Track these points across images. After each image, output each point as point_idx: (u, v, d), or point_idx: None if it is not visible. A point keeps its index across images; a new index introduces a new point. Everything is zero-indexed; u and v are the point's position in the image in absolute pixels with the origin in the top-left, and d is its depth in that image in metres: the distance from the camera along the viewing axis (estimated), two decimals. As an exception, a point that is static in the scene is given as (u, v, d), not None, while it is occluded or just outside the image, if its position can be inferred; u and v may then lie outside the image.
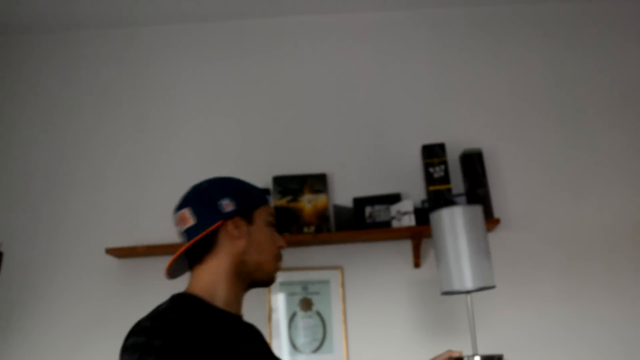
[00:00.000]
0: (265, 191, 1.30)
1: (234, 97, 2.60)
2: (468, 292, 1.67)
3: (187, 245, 1.16)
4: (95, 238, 2.40)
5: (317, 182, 2.40)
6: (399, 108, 2.55)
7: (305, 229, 2.30)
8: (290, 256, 2.33)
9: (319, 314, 2.29)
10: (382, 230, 2.26)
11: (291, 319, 2.29)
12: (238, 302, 1.19)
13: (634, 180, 2.42)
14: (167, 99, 2.61)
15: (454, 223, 1.70)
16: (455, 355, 1.36)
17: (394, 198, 2.36)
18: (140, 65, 2.66)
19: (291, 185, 2.38)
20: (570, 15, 2.66)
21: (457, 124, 2.52)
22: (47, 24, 2.65)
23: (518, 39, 2.64)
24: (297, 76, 2.61)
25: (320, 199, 2.37)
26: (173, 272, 1.25)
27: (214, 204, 1.17)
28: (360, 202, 2.37)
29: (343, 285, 2.32)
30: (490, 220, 2.23)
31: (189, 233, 1.17)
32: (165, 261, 2.36)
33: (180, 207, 1.21)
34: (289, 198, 2.36)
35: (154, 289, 2.33)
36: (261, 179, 2.42)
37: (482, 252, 1.68)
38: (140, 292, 2.33)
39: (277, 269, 1.24)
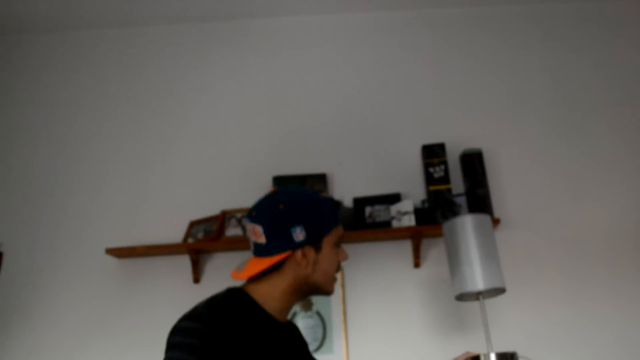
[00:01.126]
0: (337, 205, 1.29)
1: (234, 97, 2.60)
2: (479, 293, 1.73)
3: (263, 267, 1.17)
4: (95, 238, 2.40)
5: (317, 182, 2.40)
6: (399, 108, 2.55)
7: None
8: (290, 256, 2.33)
9: (319, 314, 2.29)
10: (382, 230, 2.26)
11: (291, 319, 2.28)
12: (287, 311, 1.23)
13: (633, 180, 2.42)
14: (167, 99, 2.61)
15: (465, 231, 1.80)
16: (472, 355, 1.43)
17: (394, 198, 2.36)
18: (140, 66, 2.66)
19: (291, 185, 2.38)
20: (570, 16, 2.66)
21: (457, 124, 2.52)
22: (47, 24, 2.66)
23: (518, 39, 2.64)
24: (297, 76, 2.61)
25: (320, 199, 2.37)
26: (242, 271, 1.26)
27: (286, 230, 1.17)
28: (360, 202, 2.37)
29: (343, 285, 2.32)
30: (490, 220, 2.23)
31: (257, 248, 1.20)
32: (164, 261, 2.36)
33: (253, 218, 1.20)
34: (289, 198, 2.36)
35: (153, 288, 2.33)
36: (261, 179, 2.42)
37: (492, 257, 1.78)
38: (140, 292, 2.33)
39: (335, 280, 1.26)
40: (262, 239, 1.18)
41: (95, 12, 2.59)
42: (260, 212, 1.20)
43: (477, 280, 1.74)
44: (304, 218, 1.18)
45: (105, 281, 2.35)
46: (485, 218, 1.84)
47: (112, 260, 2.37)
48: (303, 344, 1.33)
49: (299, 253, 1.18)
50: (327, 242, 1.22)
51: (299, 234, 1.17)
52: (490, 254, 1.78)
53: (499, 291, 1.79)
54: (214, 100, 2.59)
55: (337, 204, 1.27)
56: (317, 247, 1.20)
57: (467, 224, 1.80)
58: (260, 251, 1.19)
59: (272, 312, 1.19)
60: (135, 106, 2.60)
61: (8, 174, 2.52)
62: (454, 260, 1.82)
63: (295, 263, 1.19)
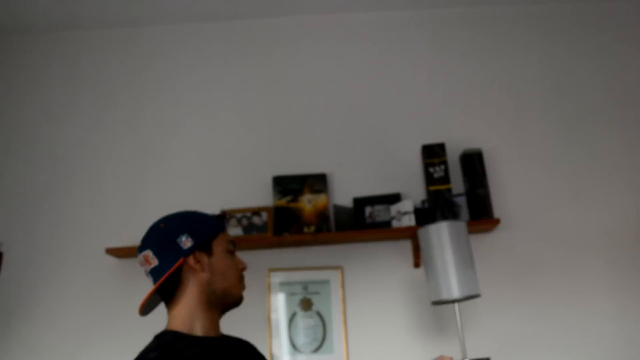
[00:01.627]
0: (221, 217, 1.34)
1: (234, 97, 2.60)
2: (455, 301, 1.76)
3: (155, 286, 1.21)
4: (95, 238, 2.40)
5: (317, 182, 2.40)
6: (399, 108, 2.55)
7: (305, 229, 2.30)
8: (290, 256, 2.33)
9: (319, 314, 2.29)
10: (382, 230, 2.26)
11: (291, 319, 2.28)
12: (215, 326, 1.26)
13: (633, 180, 2.42)
14: (167, 99, 2.61)
15: (440, 238, 1.82)
16: (446, 359, 1.39)
17: (394, 198, 2.36)
18: (140, 65, 2.66)
19: (291, 185, 2.38)
20: (570, 16, 2.66)
21: (457, 124, 2.52)
22: (47, 24, 2.66)
23: (518, 39, 2.64)
24: (297, 76, 2.62)
25: (320, 199, 2.37)
26: (146, 309, 1.30)
27: (172, 242, 1.21)
28: (360, 202, 2.37)
29: (343, 285, 2.32)
30: (490, 220, 2.23)
31: (153, 273, 1.22)
32: (165, 261, 2.36)
33: (141, 248, 1.25)
34: (289, 198, 2.36)
35: (154, 289, 2.33)
36: (261, 179, 2.42)
37: (467, 264, 1.78)
38: (140, 292, 2.33)
39: (243, 288, 1.30)
40: (155, 261, 1.21)
41: (95, 12, 2.59)
42: (145, 240, 1.25)
43: (453, 288, 1.77)
44: (186, 227, 1.23)
45: (105, 281, 2.35)
46: (460, 224, 1.86)
47: (112, 260, 2.37)
48: (253, 351, 1.33)
49: (191, 259, 1.21)
50: (217, 247, 1.26)
51: (185, 241, 1.22)
52: (465, 261, 1.80)
53: (473, 297, 1.82)
54: (213, 100, 2.59)
55: (220, 215, 1.33)
56: (208, 252, 1.24)
57: (442, 231, 1.81)
58: (157, 274, 1.22)
59: (204, 334, 1.21)
60: (135, 106, 2.60)
61: (8, 173, 2.52)
62: (429, 266, 1.84)
63: (191, 271, 1.22)
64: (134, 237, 2.39)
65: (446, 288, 1.76)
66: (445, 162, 2.31)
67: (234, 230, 2.32)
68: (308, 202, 2.36)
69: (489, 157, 2.45)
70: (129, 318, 2.30)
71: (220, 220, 1.32)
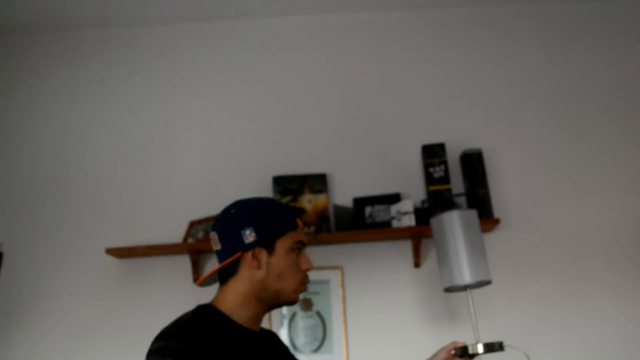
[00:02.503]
0: (299, 211, 1.30)
1: (234, 97, 2.60)
2: (467, 286, 1.79)
3: (213, 270, 1.24)
4: (95, 238, 2.40)
5: (317, 182, 2.40)
6: (399, 108, 2.55)
7: (305, 229, 2.30)
8: (290, 256, 2.33)
9: (319, 314, 2.29)
10: (382, 230, 2.26)
11: (291, 319, 2.29)
12: (257, 320, 1.26)
13: (633, 180, 2.42)
14: (167, 99, 2.61)
15: (453, 226, 1.86)
16: (460, 345, 1.44)
17: (394, 198, 2.36)
18: (140, 65, 2.66)
19: (291, 185, 2.38)
20: (571, 15, 2.66)
21: (457, 124, 2.52)
22: (47, 24, 2.65)
23: (518, 39, 2.64)
24: (297, 76, 2.61)
25: (320, 199, 2.37)
26: (204, 283, 1.32)
27: (237, 233, 1.21)
28: (360, 202, 2.37)
29: (343, 285, 2.32)
30: (490, 220, 2.23)
31: (217, 255, 1.26)
32: (164, 261, 2.36)
33: (212, 228, 1.27)
34: (289, 198, 2.36)
35: (153, 289, 2.33)
36: (261, 179, 2.42)
37: (478, 251, 1.84)
38: (140, 292, 2.33)
39: (302, 291, 1.27)
40: (219, 246, 1.24)
41: (95, 12, 2.59)
42: (216, 220, 1.26)
43: (465, 274, 1.81)
44: (253, 220, 1.22)
45: (105, 281, 2.35)
46: (471, 213, 1.90)
47: (112, 260, 2.37)
48: (283, 349, 1.35)
49: (249, 254, 1.21)
50: (281, 246, 1.23)
51: (248, 236, 1.21)
52: (476, 248, 1.84)
53: (485, 283, 1.86)
54: (214, 100, 2.59)
55: (298, 211, 1.29)
56: (270, 250, 1.23)
57: (454, 220, 1.85)
58: (219, 258, 1.25)
59: (242, 322, 1.21)
60: (134, 106, 2.60)
61: (8, 173, 2.52)
62: (442, 254, 1.88)
63: (247, 266, 1.22)
64: (134, 237, 2.39)
65: (459, 274, 1.81)
66: (445, 162, 2.31)
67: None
68: (308, 202, 2.36)
69: (489, 157, 2.44)
70: (129, 318, 2.30)
71: (294, 217, 1.28)
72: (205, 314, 1.20)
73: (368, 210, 2.36)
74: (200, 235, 2.31)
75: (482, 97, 2.56)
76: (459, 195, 2.33)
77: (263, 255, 1.22)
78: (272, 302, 1.24)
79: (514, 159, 2.46)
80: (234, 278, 1.23)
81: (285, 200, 2.35)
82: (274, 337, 1.36)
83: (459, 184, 2.41)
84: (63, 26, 2.68)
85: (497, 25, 2.66)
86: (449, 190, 2.28)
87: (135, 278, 2.35)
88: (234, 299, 1.22)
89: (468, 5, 2.67)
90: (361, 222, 2.34)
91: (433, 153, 2.33)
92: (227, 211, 1.26)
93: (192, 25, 2.70)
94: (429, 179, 2.30)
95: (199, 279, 1.28)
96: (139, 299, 2.32)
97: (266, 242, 1.22)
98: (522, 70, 2.59)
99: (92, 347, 2.26)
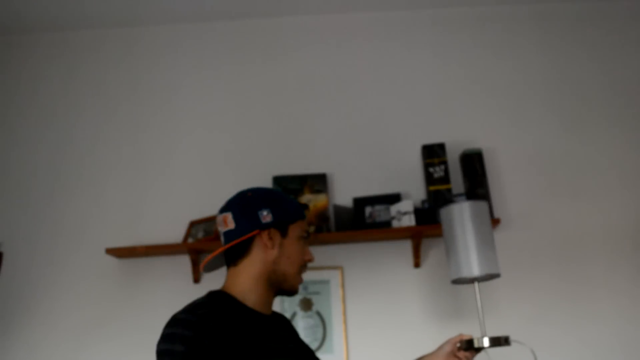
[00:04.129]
0: (304, 206, 1.37)
1: (234, 97, 2.60)
2: (475, 279, 1.77)
3: (225, 247, 1.26)
4: (95, 238, 2.40)
5: (317, 182, 2.40)
6: (399, 108, 2.55)
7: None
8: (290, 256, 2.33)
9: (319, 314, 2.29)
10: (382, 230, 2.26)
11: (291, 319, 2.28)
12: (268, 304, 1.28)
13: (633, 180, 2.42)
14: (167, 98, 2.61)
15: (462, 217, 1.83)
16: (466, 338, 1.44)
17: (394, 198, 2.36)
18: (140, 65, 2.66)
19: (291, 185, 2.38)
20: (571, 16, 2.66)
21: (457, 124, 2.52)
22: (47, 24, 2.65)
23: (518, 39, 2.64)
24: (298, 76, 2.61)
25: (320, 199, 2.37)
26: (208, 267, 1.34)
27: (254, 213, 1.25)
28: (360, 202, 2.37)
29: (343, 285, 2.32)
30: (490, 220, 2.23)
31: (227, 236, 1.26)
32: (164, 261, 2.36)
33: (223, 209, 1.29)
34: (289, 198, 2.36)
35: (153, 289, 2.33)
36: (261, 179, 2.42)
37: (488, 244, 1.81)
38: (140, 292, 2.33)
39: (300, 281, 1.31)
40: (232, 225, 1.25)
41: (95, 12, 2.59)
42: (229, 203, 1.29)
43: (473, 266, 1.78)
44: (270, 203, 1.27)
45: (105, 281, 2.35)
46: (482, 205, 1.88)
47: (112, 260, 2.37)
48: (293, 333, 1.37)
49: (265, 233, 1.24)
50: (293, 231, 1.29)
51: (266, 216, 1.25)
52: (486, 240, 1.82)
53: (493, 276, 1.83)
54: (213, 99, 2.59)
55: (303, 205, 1.35)
56: (284, 232, 1.27)
57: (464, 211, 1.83)
58: (230, 237, 1.26)
59: (254, 306, 1.24)
60: (135, 106, 2.60)
61: (8, 174, 2.52)
62: (450, 246, 1.87)
63: (262, 245, 1.25)
64: (134, 237, 2.39)
65: (466, 267, 1.78)
66: (445, 162, 2.31)
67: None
68: (308, 202, 2.36)
69: (489, 157, 2.44)
70: (129, 318, 2.30)
71: (302, 209, 1.34)
72: (216, 299, 1.21)
73: (368, 210, 2.36)
74: (200, 235, 2.31)
75: (482, 97, 2.56)
76: (459, 195, 2.33)
77: (277, 236, 1.26)
78: (279, 285, 1.27)
79: (514, 159, 2.46)
80: (246, 259, 1.25)
81: (285, 200, 2.35)
82: (285, 321, 1.38)
83: (459, 184, 2.41)
84: (63, 26, 2.68)
85: (497, 25, 2.66)
86: (449, 190, 2.28)
87: (135, 278, 2.35)
88: (245, 281, 1.24)
89: (468, 5, 2.67)
90: (361, 222, 2.34)
91: (433, 153, 2.33)
92: (243, 193, 1.30)
93: (192, 25, 2.70)
94: (429, 179, 2.30)
95: (204, 260, 1.29)
96: (139, 299, 2.32)
97: (281, 224, 1.26)
98: (522, 70, 2.59)
99: (92, 347, 2.26)
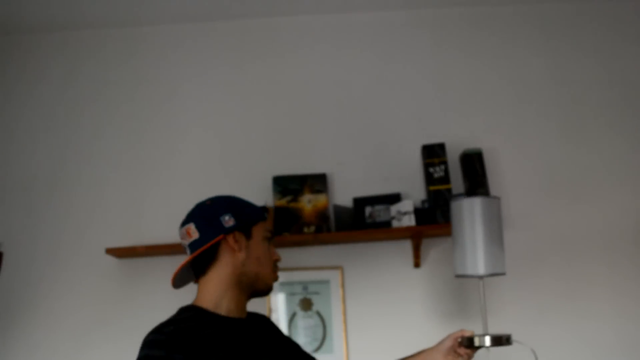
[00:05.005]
0: (263, 209, 1.42)
1: (234, 97, 2.60)
2: (480, 277, 1.75)
3: (192, 256, 1.26)
4: (95, 238, 2.40)
5: (317, 182, 2.40)
6: (399, 108, 2.55)
7: (305, 229, 2.30)
8: (290, 256, 2.33)
9: (319, 314, 2.29)
10: (382, 230, 2.26)
11: (291, 319, 2.29)
12: (241, 308, 1.29)
13: (633, 180, 2.42)
14: (167, 99, 2.61)
15: (473, 213, 1.79)
16: (467, 334, 1.43)
17: (394, 198, 2.36)
18: (140, 65, 2.66)
19: (291, 185, 2.38)
20: (571, 16, 2.66)
21: (457, 124, 2.52)
22: (47, 24, 2.65)
23: (518, 38, 2.64)
24: (297, 76, 2.61)
25: (320, 199, 2.37)
26: (178, 282, 1.35)
27: (216, 219, 1.27)
28: (360, 202, 2.37)
29: (343, 286, 2.32)
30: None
31: (192, 246, 1.27)
32: (165, 261, 2.36)
33: (185, 222, 1.31)
34: (289, 198, 2.36)
35: (153, 289, 2.33)
36: (261, 179, 2.42)
37: (496, 242, 1.77)
38: (140, 292, 2.33)
39: (275, 279, 1.33)
40: (196, 234, 1.27)
41: (95, 12, 2.59)
42: (190, 214, 1.32)
43: (479, 264, 1.75)
44: (231, 208, 1.30)
45: (106, 281, 2.35)
46: (494, 202, 1.85)
47: (112, 260, 2.37)
48: (274, 330, 1.38)
49: (230, 237, 1.26)
50: (257, 233, 1.31)
51: (228, 221, 1.27)
52: (494, 239, 1.78)
53: (499, 273, 1.80)
54: (213, 99, 2.59)
55: (263, 207, 1.39)
56: (247, 235, 1.29)
57: (475, 207, 1.80)
58: (195, 247, 1.27)
59: (227, 313, 1.24)
60: (135, 106, 2.60)
61: (8, 173, 2.52)
62: (458, 240, 1.83)
63: (229, 249, 1.26)
64: (134, 237, 2.39)
65: (472, 264, 1.75)
66: (445, 162, 2.31)
67: (234, 230, 2.31)
68: (308, 202, 2.36)
69: (489, 157, 2.44)
70: (129, 318, 2.30)
71: (262, 210, 1.38)
72: (185, 313, 1.23)
73: (368, 210, 2.36)
74: (200, 235, 2.30)
75: (482, 97, 2.56)
76: (459, 195, 2.33)
77: (242, 239, 1.28)
78: (252, 287, 1.28)
79: (514, 159, 2.46)
80: (214, 265, 1.26)
81: (285, 200, 2.36)
82: (263, 320, 1.38)
83: (459, 184, 2.40)
84: (63, 26, 2.68)
85: (497, 25, 2.66)
86: (449, 190, 2.28)
87: (135, 278, 2.36)
88: (216, 288, 1.25)
89: (468, 5, 2.66)
90: (361, 222, 2.34)
91: (433, 153, 2.33)
92: (201, 204, 1.34)
93: (192, 25, 2.70)
94: (429, 179, 2.30)
95: (173, 275, 1.30)
96: (139, 299, 2.32)
97: (244, 227, 1.28)
98: (522, 70, 2.59)
99: (92, 347, 2.27)
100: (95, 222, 2.43)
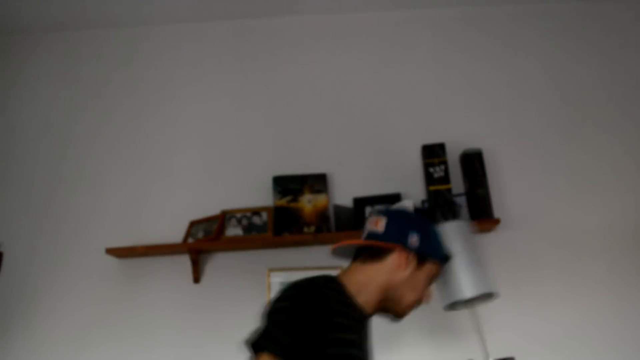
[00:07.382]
0: (447, 256, 1.44)
1: (234, 97, 2.60)
2: (468, 300, 1.70)
3: (364, 242, 1.30)
4: (95, 238, 2.40)
5: (317, 182, 2.40)
6: (399, 108, 2.55)
7: (305, 229, 2.30)
8: (290, 256, 2.33)
9: (319, 314, 2.29)
10: (382, 230, 2.25)
11: (291, 319, 2.28)
12: (372, 309, 1.31)
13: (633, 180, 2.42)
14: (167, 99, 2.61)
15: (448, 239, 1.75)
16: None
17: (394, 198, 2.35)
18: (140, 65, 2.66)
19: (291, 185, 2.38)
20: (570, 16, 2.66)
21: (457, 124, 2.52)
22: (47, 24, 2.65)
23: (518, 39, 2.64)
24: (297, 76, 2.61)
25: (320, 199, 2.37)
26: (337, 252, 1.38)
27: (405, 230, 1.31)
28: (360, 202, 2.37)
29: (343, 285, 2.32)
30: (490, 220, 2.23)
31: (371, 235, 1.31)
32: (165, 261, 2.36)
33: (381, 213, 1.33)
34: (289, 198, 2.36)
35: (154, 289, 2.33)
36: (261, 179, 2.42)
37: (477, 262, 1.75)
38: (140, 292, 2.33)
39: (409, 313, 1.36)
40: (382, 228, 1.30)
41: (95, 12, 2.59)
42: (390, 210, 1.34)
43: (464, 287, 1.69)
44: (424, 232, 1.31)
45: (106, 281, 2.35)
46: (462, 224, 1.84)
47: (112, 260, 2.37)
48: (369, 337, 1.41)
49: (404, 252, 1.28)
50: (428, 268, 1.33)
51: (414, 240, 1.29)
52: (474, 259, 1.74)
53: (491, 295, 1.74)
54: (213, 99, 2.59)
55: (448, 255, 1.40)
56: (420, 263, 1.31)
57: (446, 233, 1.75)
58: (372, 237, 1.30)
59: (362, 304, 1.27)
60: (135, 105, 2.60)
61: (8, 173, 2.52)
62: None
63: (397, 261, 1.28)
64: (134, 237, 2.39)
65: (457, 289, 1.71)
66: (445, 162, 2.31)
67: (234, 230, 2.31)
68: (308, 202, 2.36)
69: (489, 157, 2.44)
70: (129, 318, 2.30)
71: (447, 257, 1.40)
72: (331, 284, 1.25)
73: (368, 210, 2.35)
74: (200, 235, 2.31)
75: (482, 97, 2.56)
76: (459, 195, 2.33)
77: (414, 262, 1.30)
78: (389, 305, 1.31)
79: (514, 159, 2.46)
80: (377, 263, 1.29)
81: (285, 200, 2.35)
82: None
83: (459, 184, 2.40)
84: (63, 26, 2.68)
85: (497, 26, 2.66)
86: (449, 190, 2.28)
87: (135, 278, 2.35)
88: (365, 282, 1.28)
89: (468, 5, 2.67)
90: (361, 222, 2.34)
91: (433, 153, 2.33)
92: (406, 210, 1.40)
93: (192, 25, 2.70)
94: (429, 179, 2.30)
95: (338, 243, 1.32)
96: (139, 299, 2.32)
97: (422, 255, 1.31)
98: (522, 70, 2.59)
99: (92, 347, 2.26)
100: (95, 222, 2.43)
